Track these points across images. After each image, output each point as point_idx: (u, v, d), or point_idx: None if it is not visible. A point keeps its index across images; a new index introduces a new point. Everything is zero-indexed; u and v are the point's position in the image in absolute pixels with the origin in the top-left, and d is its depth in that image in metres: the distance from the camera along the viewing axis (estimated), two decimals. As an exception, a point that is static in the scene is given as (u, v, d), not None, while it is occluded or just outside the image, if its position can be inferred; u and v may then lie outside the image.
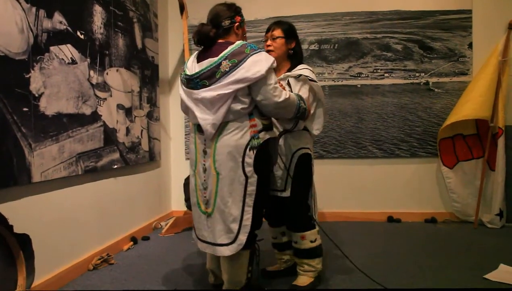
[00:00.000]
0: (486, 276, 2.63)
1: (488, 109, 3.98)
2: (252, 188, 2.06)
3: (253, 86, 2.03)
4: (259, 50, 2.06)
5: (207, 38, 2.13)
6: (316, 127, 2.50)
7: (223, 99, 2.02)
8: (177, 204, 4.67)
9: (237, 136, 2.06)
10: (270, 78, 2.03)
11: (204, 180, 2.16)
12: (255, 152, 2.06)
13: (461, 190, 4.23)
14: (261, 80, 2.01)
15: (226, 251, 2.09)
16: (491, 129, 4.02)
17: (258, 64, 1.99)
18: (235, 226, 2.07)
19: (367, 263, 2.93)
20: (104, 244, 3.17)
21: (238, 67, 1.99)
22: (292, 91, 2.35)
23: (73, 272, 2.74)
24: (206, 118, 2.07)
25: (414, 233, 3.84)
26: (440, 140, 4.28)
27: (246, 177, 2.05)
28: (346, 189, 4.45)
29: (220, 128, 2.08)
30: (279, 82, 2.15)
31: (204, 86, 2.06)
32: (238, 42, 2.08)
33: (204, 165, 2.15)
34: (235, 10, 2.19)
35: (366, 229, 4.03)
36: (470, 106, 4.01)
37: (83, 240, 2.90)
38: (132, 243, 3.53)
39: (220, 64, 2.02)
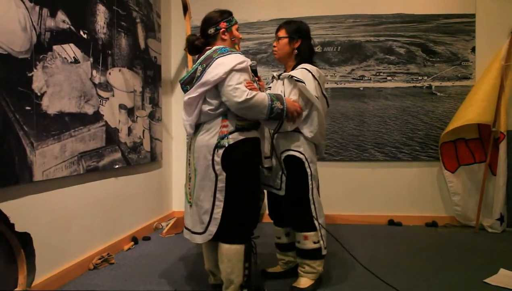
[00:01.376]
0: (486, 280, 2.62)
1: (491, 114, 3.98)
2: (221, 185, 2.16)
3: (218, 88, 2.14)
4: (227, 53, 2.16)
5: (194, 47, 2.31)
6: (310, 130, 2.43)
7: (194, 102, 2.20)
8: (178, 205, 4.68)
9: (208, 136, 2.19)
10: (230, 80, 2.09)
11: (189, 173, 2.33)
12: (222, 151, 2.15)
13: (462, 194, 4.22)
14: (221, 82, 2.11)
15: (199, 239, 2.24)
16: (493, 134, 4.01)
17: (219, 67, 2.10)
18: (206, 218, 2.19)
19: (367, 266, 2.92)
20: (104, 243, 3.18)
21: (205, 71, 2.14)
22: (284, 93, 2.42)
23: (74, 271, 2.74)
24: (185, 120, 2.29)
25: (415, 237, 3.83)
26: (442, 144, 4.27)
27: (216, 175, 2.16)
28: (348, 191, 4.45)
29: (199, 128, 2.25)
30: (249, 83, 2.15)
31: (187, 90, 2.25)
32: (214, 48, 2.22)
33: (189, 159, 2.33)
34: (221, 16, 2.29)
35: (366, 232, 4.02)
36: (473, 110, 4.01)
37: (84, 239, 2.90)
38: (132, 243, 3.53)
39: (196, 70, 2.20)
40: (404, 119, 4.41)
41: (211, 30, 2.27)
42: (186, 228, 2.35)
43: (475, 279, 2.67)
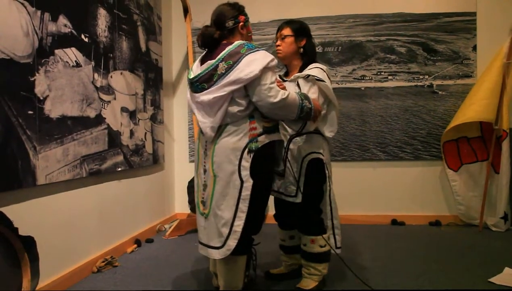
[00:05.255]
0: (491, 280, 2.62)
1: (493, 112, 3.97)
2: (246, 193, 2.01)
3: (248, 87, 1.99)
4: (256, 49, 2.00)
5: (212, 40, 2.10)
6: (330, 130, 2.42)
7: (219, 102, 2.00)
8: (181, 207, 4.68)
9: (235, 139, 2.02)
10: (264, 78, 1.96)
11: (204, 181, 2.14)
12: (252, 156, 2.01)
13: (466, 192, 4.21)
14: (255, 81, 1.95)
15: (216, 254, 2.06)
16: (495, 132, 4.01)
17: (252, 64, 1.94)
18: (225, 230, 2.02)
19: (371, 265, 2.92)
20: (108, 246, 3.18)
21: (233, 68, 1.96)
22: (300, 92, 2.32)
23: (78, 274, 2.74)
24: (205, 121, 2.06)
25: (418, 236, 3.83)
26: (444, 143, 4.27)
27: (242, 181, 2.01)
28: (350, 191, 4.44)
29: (220, 130, 2.06)
30: (279, 82, 2.09)
31: (203, 89, 2.04)
32: (236, 43, 2.04)
33: (204, 166, 2.14)
34: (239, 10, 2.14)
35: (370, 232, 4.02)
36: (474, 108, 4.01)
37: (87, 242, 2.91)
38: (136, 245, 3.53)
39: (217, 66, 2.00)
40: (406, 118, 4.40)
41: (230, 23, 2.09)
42: (201, 243, 2.18)
43: (479, 278, 2.66)
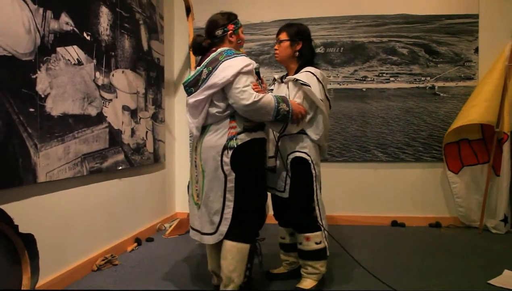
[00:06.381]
0: (490, 282, 2.61)
1: (494, 114, 3.96)
2: (231, 185, 2.20)
3: (225, 91, 2.16)
4: (234, 56, 2.18)
5: (200, 48, 2.33)
6: (315, 133, 2.44)
7: (201, 105, 2.22)
8: (181, 206, 4.68)
9: (216, 137, 2.23)
10: (237, 82, 2.12)
11: (196, 175, 2.35)
12: (231, 152, 2.18)
13: (466, 195, 4.21)
14: (228, 85, 2.13)
15: (210, 240, 2.27)
16: (496, 134, 4.00)
17: (226, 70, 2.12)
18: (216, 218, 2.23)
19: (371, 267, 2.92)
20: (108, 244, 3.18)
21: (211, 74, 2.16)
22: (289, 95, 2.42)
23: (77, 272, 2.75)
24: (191, 122, 2.31)
25: (418, 238, 3.83)
26: (445, 145, 4.27)
27: (225, 175, 2.20)
28: (350, 192, 4.44)
29: (205, 130, 2.28)
30: (256, 85, 2.19)
31: (192, 93, 2.26)
32: (219, 50, 2.23)
33: (195, 161, 2.35)
34: (228, 18, 2.32)
35: (370, 233, 4.01)
36: (476, 110, 4.00)
37: (87, 240, 2.91)
38: (136, 244, 3.54)
39: (201, 72, 2.22)
40: (407, 120, 4.40)
41: (219, 32, 2.29)
42: (194, 229, 2.37)
43: (478, 280, 2.66)
